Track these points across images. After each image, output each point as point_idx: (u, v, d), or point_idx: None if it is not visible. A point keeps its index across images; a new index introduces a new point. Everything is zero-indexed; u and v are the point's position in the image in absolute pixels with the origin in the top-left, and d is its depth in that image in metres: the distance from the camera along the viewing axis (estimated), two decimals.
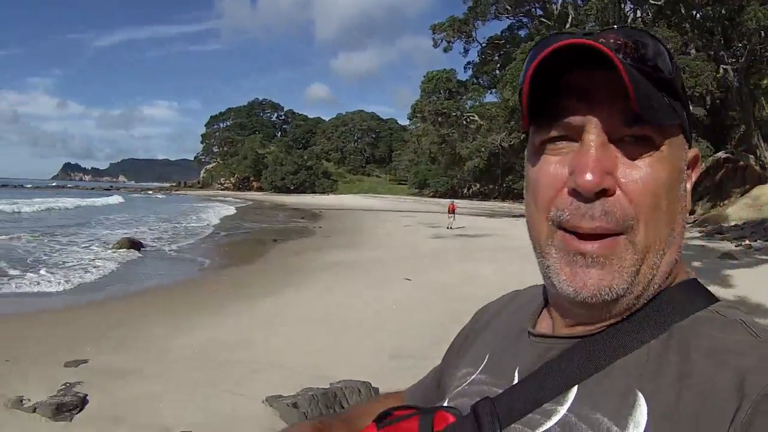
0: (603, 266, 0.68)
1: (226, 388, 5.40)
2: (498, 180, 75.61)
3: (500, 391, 0.76)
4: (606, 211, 0.67)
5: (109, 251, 16.48)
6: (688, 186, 0.76)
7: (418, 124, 58.07)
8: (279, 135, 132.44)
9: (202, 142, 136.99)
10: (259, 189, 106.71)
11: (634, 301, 0.71)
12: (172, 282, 12.35)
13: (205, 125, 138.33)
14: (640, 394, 0.63)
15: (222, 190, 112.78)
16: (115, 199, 57.63)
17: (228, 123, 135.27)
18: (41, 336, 7.37)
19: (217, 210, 43.70)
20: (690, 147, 0.76)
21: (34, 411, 4.83)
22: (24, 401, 5.02)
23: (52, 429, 4.62)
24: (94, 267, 13.67)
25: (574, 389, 0.69)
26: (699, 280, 0.76)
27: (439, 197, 79.34)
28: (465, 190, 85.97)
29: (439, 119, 42.81)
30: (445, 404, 0.85)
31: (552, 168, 0.71)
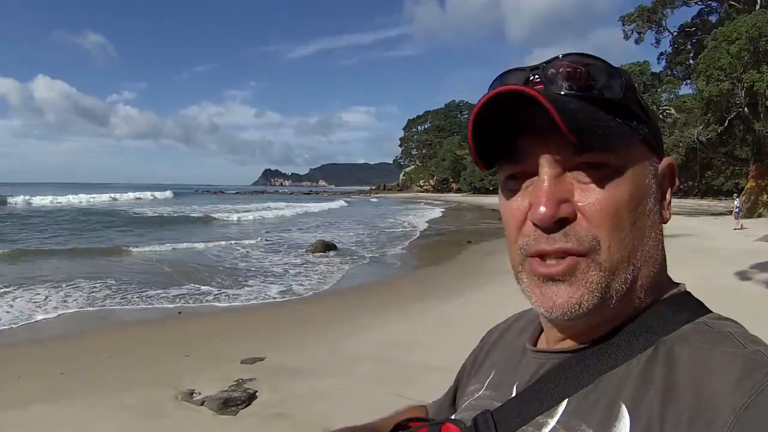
0: (570, 283, 0.70)
1: (395, 391, 5.24)
2: (696, 177, 69.65)
3: (500, 404, 0.80)
4: (566, 233, 0.70)
5: (303, 255, 17.18)
6: (667, 196, 0.78)
7: None
8: None
9: (400, 146, 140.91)
10: (458, 190, 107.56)
11: (615, 315, 0.73)
12: (361, 283, 12.65)
13: (403, 128, 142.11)
14: (623, 407, 0.65)
15: (421, 192, 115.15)
16: (338, 203, 61.06)
17: (426, 126, 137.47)
18: (226, 335, 7.79)
19: (424, 213, 44.64)
20: (662, 158, 0.78)
21: (202, 404, 5.03)
22: (194, 394, 5.27)
23: (217, 422, 4.79)
24: (285, 270, 14.27)
25: (564, 402, 0.71)
26: (690, 292, 0.78)
27: None
28: None
29: None
30: (453, 417, 0.89)
31: (516, 203, 0.75)
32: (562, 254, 0.70)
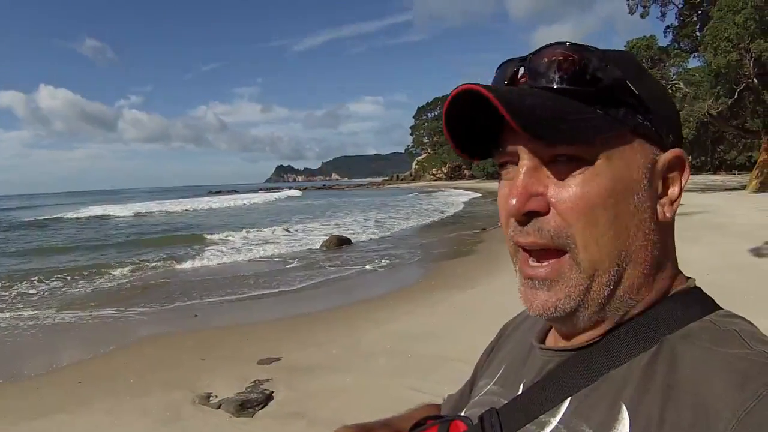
0: (549, 288, 0.71)
1: (411, 384, 5.21)
2: (708, 151, 68.81)
3: (506, 401, 0.81)
4: (538, 227, 0.70)
5: (318, 250, 17.26)
6: (671, 191, 0.73)
7: None
8: None
9: (411, 134, 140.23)
10: (471, 177, 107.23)
11: (613, 314, 0.72)
12: (373, 276, 12.58)
13: (413, 117, 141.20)
14: (624, 407, 0.65)
15: (434, 180, 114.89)
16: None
17: (436, 112, 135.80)
18: (243, 336, 7.74)
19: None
20: (667, 149, 0.73)
21: (219, 407, 5.04)
22: (212, 398, 5.28)
23: (234, 424, 4.82)
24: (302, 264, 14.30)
25: (567, 401, 0.71)
26: (701, 288, 0.76)
27: None
28: None
29: None
30: (462, 414, 0.90)
31: (503, 192, 0.75)
32: (539, 250, 0.72)
